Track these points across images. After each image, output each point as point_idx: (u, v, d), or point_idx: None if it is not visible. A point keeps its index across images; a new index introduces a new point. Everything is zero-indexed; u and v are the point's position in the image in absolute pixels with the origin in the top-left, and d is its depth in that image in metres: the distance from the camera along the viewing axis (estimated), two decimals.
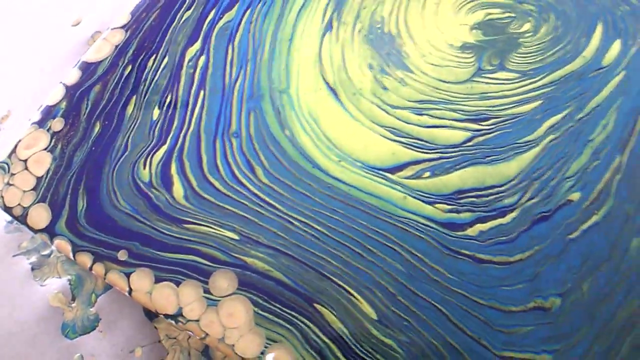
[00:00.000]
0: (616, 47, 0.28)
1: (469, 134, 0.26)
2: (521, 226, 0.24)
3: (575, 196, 0.25)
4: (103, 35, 0.30)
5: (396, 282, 0.23)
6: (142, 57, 0.29)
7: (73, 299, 0.30)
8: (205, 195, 0.25)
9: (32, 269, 0.31)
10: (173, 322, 0.23)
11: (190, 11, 0.30)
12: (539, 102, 0.26)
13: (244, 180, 0.25)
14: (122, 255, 0.24)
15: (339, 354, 0.22)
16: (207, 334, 0.23)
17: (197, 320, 0.23)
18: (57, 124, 0.28)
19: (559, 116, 0.26)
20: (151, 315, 0.29)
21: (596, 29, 0.29)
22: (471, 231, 0.24)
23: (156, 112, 0.27)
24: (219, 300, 0.23)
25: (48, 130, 0.27)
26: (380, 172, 0.25)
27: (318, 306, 0.23)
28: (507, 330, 0.22)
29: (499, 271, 0.23)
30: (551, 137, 0.26)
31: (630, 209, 0.24)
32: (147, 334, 0.29)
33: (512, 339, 0.22)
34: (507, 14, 0.29)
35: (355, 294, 0.23)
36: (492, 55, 0.28)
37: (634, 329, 0.23)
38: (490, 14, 0.29)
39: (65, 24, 0.38)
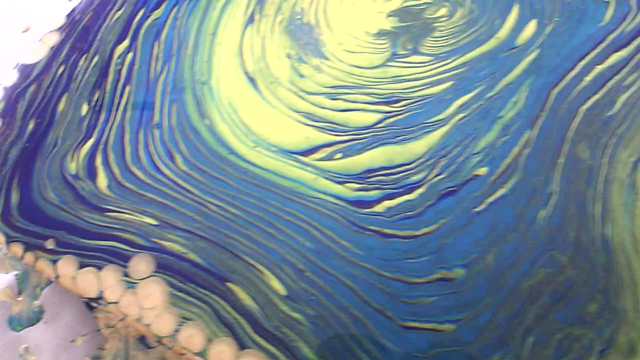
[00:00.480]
0: (531, 26, 0.30)
1: (380, 116, 0.28)
2: (427, 201, 0.26)
3: (482, 171, 0.26)
4: (40, 38, 0.32)
5: (305, 259, 0.25)
6: (74, 57, 0.31)
7: (19, 293, 0.32)
8: (127, 184, 0.27)
9: None
10: (96, 305, 0.25)
11: (121, 11, 0.32)
12: (450, 82, 0.28)
13: (163, 169, 0.27)
14: (49, 244, 0.26)
15: (249, 329, 0.24)
16: (126, 315, 0.25)
17: (117, 302, 0.25)
18: None
19: (469, 95, 0.28)
20: (91, 305, 0.32)
21: (512, 10, 0.30)
22: (379, 208, 0.26)
23: (85, 108, 0.29)
24: (137, 283, 0.25)
25: None
26: (294, 155, 0.27)
27: (230, 285, 0.25)
28: (411, 301, 0.24)
29: (404, 245, 0.25)
30: (460, 115, 0.27)
31: (538, 181, 0.26)
32: (88, 324, 0.31)
33: (416, 310, 0.24)
34: (423, 0, 0.31)
35: (266, 272, 0.25)
36: (406, 41, 0.30)
37: (540, 298, 0.24)
38: (407, 1, 0.31)
39: (15, 31, 0.41)
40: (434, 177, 0.26)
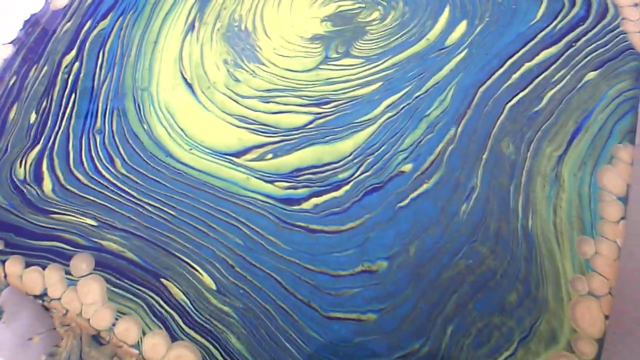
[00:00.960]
0: (462, 27, 0.32)
1: (311, 117, 0.30)
2: (353, 197, 0.28)
3: (407, 167, 0.28)
4: None
5: (235, 255, 0.27)
6: (25, 67, 0.34)
7: None
8: (70, 188, 0.30)
9: None
10: (40, 301, 0.28)
11: (70, 22, 0.35)
12: (380, 83, 0.30)
13: (104, 172, 0.30)
14: None
15: (181, 322, 0.26)
16: (67, 310, 0.27)
17: (59, 299, 0.27)
18: None
19: (397, 95, 0.30)
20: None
21: (444, 11, 0.33)
22: (306, 205, 0.28)
23: (33, 116, 0.32)
24: (77, 280, 0.27)
25: None
26: (227, 156, 0.29)
27: (164, 281, 0.27)
28: (336, 293, 0.26)
29: (330, 239, 0.27)
30: (388, 114, 0.30)
31: (461, 175, 0.28)
32: (44, 323, 0.33)
33: (340, 301, 0.26)
34: (357, 5, 0.33)
35: (198, 268, 0.27)
36: (339, 44, 0.32)
37: (460, 288, 0.26)
38: (341, 6, 0.33)
39: None
40: (360, 175, 0.28)
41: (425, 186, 0.28)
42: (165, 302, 0.26)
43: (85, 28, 0.34)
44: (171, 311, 0.26)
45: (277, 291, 0.26)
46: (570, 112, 0.29)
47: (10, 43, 0.35)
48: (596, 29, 0.32)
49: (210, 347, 0.25)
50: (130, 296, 0.27)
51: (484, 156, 0.28)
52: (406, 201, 0.28)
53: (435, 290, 0.26)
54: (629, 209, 0.27)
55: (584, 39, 0.32)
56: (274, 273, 0.27)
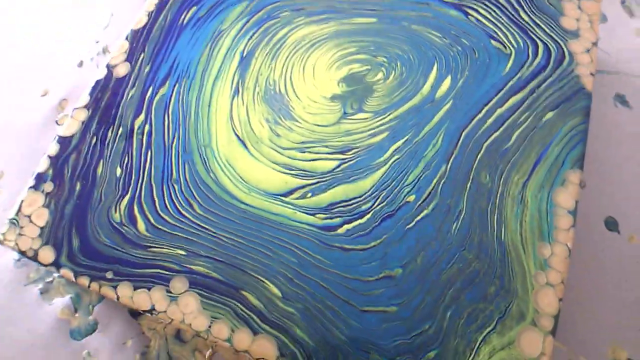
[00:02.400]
0: (447, 82, 0.48)
1: (337, 162, 0.45)
2: (374, 223, 0.44)
3: (411, 198, 0.44)
4: (70, 114, 0.50)
5: (292, 270, 0.43)
6: (102, 129, 0.49)
7: (75, 311, 0.50)
8: (160, 227, 0.45)
9: (41, 293, 0.51)
10: (150, 314, 0.43)
11: (134, 89, 0.50)
12: (387, 133, 0.46)
13: (185, 214, 0.45)
14: (109, 275, 0.44)
15: (259, 321, 0.42)
16: (172, 319, 0.43)
17: (165, 311, 0.43)
18: (48, 187, 0.47)
19: (401, 142, 0.46)
20: (134, 314, 0.49)
21: (432, 69, 0.48)
22: (340, 230, 0.44)
23: (119, 170, 0.47)
24: (177, 297, 0.43)
25: (42, 191, 0.47)
26: (277, 196, 0.45)
27: (243, 292, 0.43)
28: (366, 293, 0.42)
29: (359, 255, 0.43)
30: (395, 157, 0.45)
31: (451, 202, 0.44)
32: (134, 329, 0.49)
33: (370, 299, 0.42)
34: (365, 67, 0.49)
35: (266, 281, 0.43)
36: (353, 102, 0.47)
37: (454, 285, 0.42)
38: (352, 69, 0.49)
39: (34, 94, 0.58)
40: (377, 205, 0.44)
41: (425, 212, 0.44)
42: (246, 307, 0.42)
43: (149, 94, 0.49)
44: (251, 313, 0.42)
45: (325, 294, 0.42)
46: (532, 146, 0.45)
47: (83, 107, 0.49)
48: (554, 75, 0.48)
49: (282, 336, 0.41)
50: (219, 305, 0.42)
51: (468, 185, 0.44)
52: (412, 224, 0.43)
53: (437, 287, 0.42)
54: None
55: (544, 84, 0.47)
56: (321, 281, 0.42)
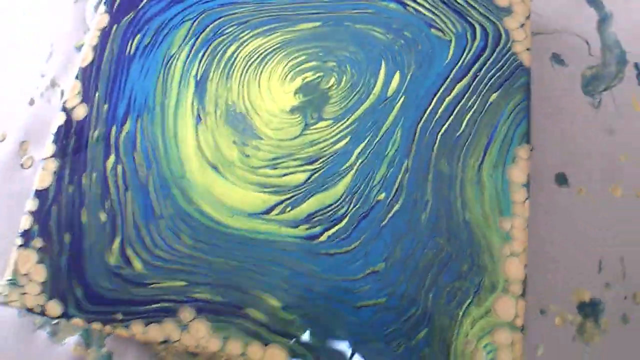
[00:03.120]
0: (396, 78, 0.54)
1: (308, 174, 0.52)
2: (352, 225, 0.51)
3: (381, 196, 0.52)
4: (40, 166, 0.54)
5: (286, 280, 0.50)
6: (76, 177, 0.54)
7: (88, 345, 0.57)
8: (156, 263, 0.51)
9: (50, 336, 0.57)
10: (164, 345, 0.50)
11: (97, 131, 0.54)
12: (348, 137, 0.53)
13: (177, 246, 0.51)
14: (119, 316, 0.51)
15: (266, 332, 0.50)
16: (187, 346, 0.50)
17: (179, 340, 0.50)
18: (38, 243, 0.53)
19: (363, 144, 0.52)
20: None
21: (381, 67, 0.54)
22: (323, 237, 0.51)
23: (102, 215, 0.53)
24: (187, 325, 0.50)
25: (33, 248, 0.53)
26: (259, 215, 0.52)
27: (247, 309, 0.50)
28: (356, 290, 0.50)
29: (344, 257, 0.50)
30: (360, 160, 0.52)
31: (417, 195, 0.51)
32: (147, 351, 0.57)
33: (361, 295, 0.50)
34: (317, 75, 0.54)
35: (265, 296, 0.50)
36: (312, 111, 0.53)
37: (431, 269, 0.50)
38: (305, 77, 0.54)
39: None
40: (352, 209, 0.51)
41: (395, 207, 0.51)
42: (252, 322, 0.50)
43: (113, 133, 0.54)
44: (258, 327, 0.50)
45: (320, 298, 0.50)
46: (482, 129, 0.53)
47: (51, 157, 0.54)
48: (494, 56, 0.55)
49: (290, 342, 0.49)
50: (228, 325, 0.50)
51: (430, 177, 0.52)
52: (385, 221, 0.51)
53: (417, 274, 0.50)
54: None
55: (485, 67, 0.54)
56: (315, 287, 0.50)
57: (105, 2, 0.59)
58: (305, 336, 0.48)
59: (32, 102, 0.63)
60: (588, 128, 0.57)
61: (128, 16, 0.58)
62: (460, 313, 0.48)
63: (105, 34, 0.57)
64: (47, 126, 0.62)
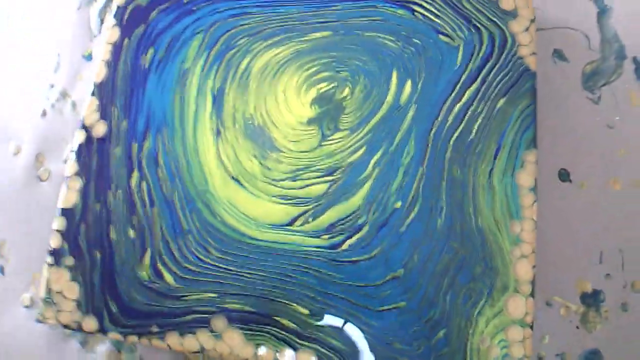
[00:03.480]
0: (408, 86, 0.57)
1: (327, 185, 0.56)
2: (372, 233, 0.55)
3: (398, 204, 0.56)
4: (64, 184, 0.57)
5: (312, 289, 0.55)
6: (102, 194, 0.57)
7: (119, 352, 0.61)
8: (186, 276, 0.55)
9: (82, 346, 0.61)
10: (200, 354, 0.55)
11: (119, 148, 0.57)
12: (364, 147, 0.56)
13: (205, 259, 0.55)
14: (154, 329, 0.55)
15: (296, 339, 0.54)
16: (222, 354, 0.55)
17: (214, 349, 0.55)
18: (69, 261, 0.56)
19: (379, 154, 0.56)
20: None
21: (392, 76, 0.58)
22: (344, 246, 0.55)
23: (131, 232, 0.56)
24: (221, 334, 0.55)
25: (65, 267, 0.56)
26: (283, 227, 0.55)
27: (276, 317, 0.54)
28: (378, 295, 0.55)
29: (366, 264, 0.55)
30: (377, 170, 0.56)
31: (432, 201, 0.56)
32: (179, 356, 0.61)
33: (383, 300, 0.55)
34: (331, 85, 0.57)
35: (293, 304, 0.55)
36: (328, 122, 0.57)
37: (448, 272, 0.55)
38: (320, 88, 0.57)
39: (6, 154, 0.64)
40: (371, 217, 0.56)
41: (412, 214, 0.56)
42: (282, 330, 0.54)
43: (134, 150, 0.57)
44: (288, 334, 0.54)
45: (344, 304, 0.55)
46: (492, 135, 0.57)
47: (75, 175, 0.57)
48: (501, 60, 0.58)
49: (319, 347, 0.54)
50: (259, 333, 0.54)
51: (443, 183, 0.56)
52: (404, 227, 0.55)
53: (434, 278, 0.55)
54: None
55: (493, 72, 0.58)
56: (339, 294, 0.55)
57: (114, 15, 0.60)
58: (333, 341, 0.53)
59: (44, 114, 0.65)
60: (588, 123, 0.61)
61: (139, 29, 0.60)
62: (475, 313, 0.53)
63: (117, 48, 0.59)
64: (61, 138, 0.64)
